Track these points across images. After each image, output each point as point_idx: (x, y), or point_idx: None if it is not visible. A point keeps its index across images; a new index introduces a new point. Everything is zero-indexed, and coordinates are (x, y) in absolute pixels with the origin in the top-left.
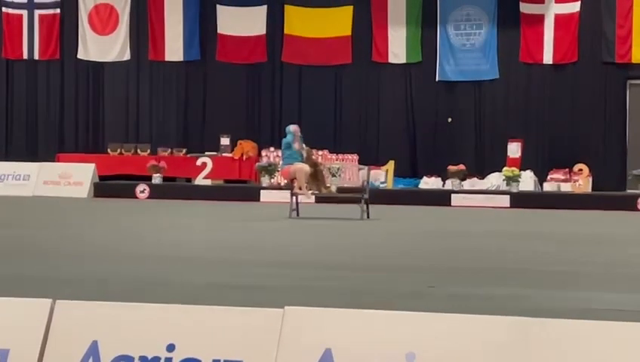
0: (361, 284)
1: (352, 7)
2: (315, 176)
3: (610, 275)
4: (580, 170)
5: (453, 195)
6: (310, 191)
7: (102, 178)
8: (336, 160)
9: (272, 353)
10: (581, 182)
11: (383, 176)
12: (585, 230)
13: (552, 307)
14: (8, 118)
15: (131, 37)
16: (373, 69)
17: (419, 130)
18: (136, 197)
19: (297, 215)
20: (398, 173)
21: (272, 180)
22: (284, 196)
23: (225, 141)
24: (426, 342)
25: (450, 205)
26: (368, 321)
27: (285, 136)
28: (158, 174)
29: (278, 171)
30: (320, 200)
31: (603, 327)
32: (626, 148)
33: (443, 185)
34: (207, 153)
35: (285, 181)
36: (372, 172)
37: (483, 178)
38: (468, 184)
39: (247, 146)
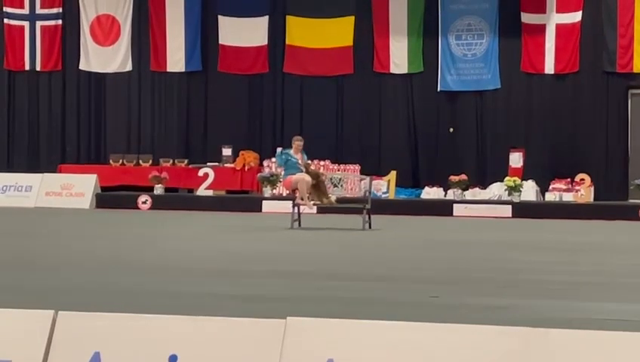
0: (363, 294)
1: (353, 17)
2: (317, 187)
3: (612, 285)
4: (582, 179)
5: (455, 205)
6: (312, 202)
7: (104, 189)
8: (338, 170)
9: None
10: (583, 191)
11: (384, 187)
12: (587, 240)
13: (554, 317)
14: (10, 129)
15: (133, 48)
16: (374, 79)
17: (420, 140)
18: (138, 208)
19: (299, 225)
20: (399, 183)
21: (274, 191)
22: (286, 207)
23: (227, 152)
24: (428, 353)
25: (452, 215)
26: (370, 332)
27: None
28: (160, 185)
29: (280, 182)
30: (322, 210)
31: (605, 337)
32: (628, 157)
33: (445, 195)
34: (209, 164)
35: (287, 191)
36: (374, 182)
37: (485, 188)
38: (470, 194)
39: (249, 157)
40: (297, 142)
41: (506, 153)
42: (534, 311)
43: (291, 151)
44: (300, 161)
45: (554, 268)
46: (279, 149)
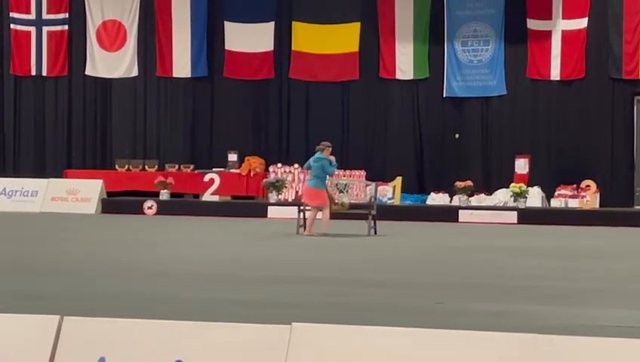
0: (368, 300)
1: (359, 23)
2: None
3: (618, 291)
4: (588, 186)
5: (460, 211)
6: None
7: (110, 194)
8: (344, 176)
9: None
10: (589, 198)
11: (390, 192)
12: (593, 246)
13: (560, 323)
14: (16, 135)
15: (139, 53)
16: (380, 85)
17: (426, 146)
18: (144, 214)
19: (305, 231)
20: (405, 189)
21: (280, 196)
22: (291, 212)
23: (232, 157)
24: (433, 359)
25: (457, 221)
26: (375, 338)
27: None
28: (165, 190)
29: (286, 188)
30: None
31: (611, 344)
32: (634, 164)
33: (450, 201)
34: (214, 169)
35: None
36: (379, 188)
37: (490, 194)
38: (475, 200)
39: (254, 162)
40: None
41: (512, 159)
42: (539, 318)
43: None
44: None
45: (559, 275)
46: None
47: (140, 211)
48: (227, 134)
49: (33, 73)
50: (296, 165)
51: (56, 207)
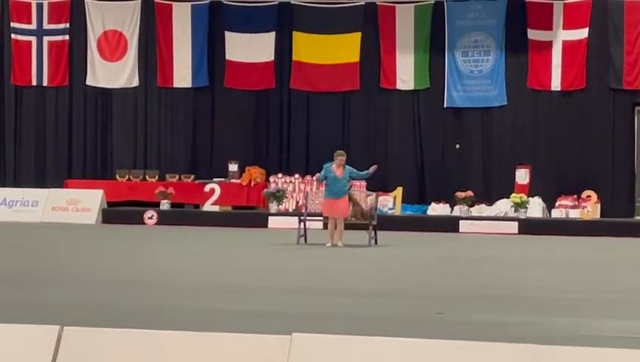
0: (368, 311)
1: (360, 33)
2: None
3: (619, 302)
4: (589, 196)
5: (461, 222)
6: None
7: (110, 204)
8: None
9: None
10: (589, 208)
11: (390, 203)
12: (594, 257)
13: (561, 334)
14: (17, 144)
15: (140, 63)
16: (381, 95)
17: (427, 157)
18: (145, 224)
19: (305, 241)
20: (406, 200)
21: (280, 206)
22: (292, 222)
23: (233, 167)
24: None
25: (458, 231)
26: (376, 348)
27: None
28: (166, 200)
29: (286, 198)
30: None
31: (612, 355)
32: (635, 174)
33: (451, 212)
34: (215, 179)
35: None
36: (380, 198)
37: (491, 204)
38: (476, 210)
39: (255, 172)
40: (339, 158)
41: (513, 169)
42: (540, 328)
43: (333, 166)
44: (339, 176)
45: (560, 285)
46: (327, 165)
47: (140, 221)
48: (228, 144)
49: (34, 83)
50: (296, 175)
51: (56, 217)
